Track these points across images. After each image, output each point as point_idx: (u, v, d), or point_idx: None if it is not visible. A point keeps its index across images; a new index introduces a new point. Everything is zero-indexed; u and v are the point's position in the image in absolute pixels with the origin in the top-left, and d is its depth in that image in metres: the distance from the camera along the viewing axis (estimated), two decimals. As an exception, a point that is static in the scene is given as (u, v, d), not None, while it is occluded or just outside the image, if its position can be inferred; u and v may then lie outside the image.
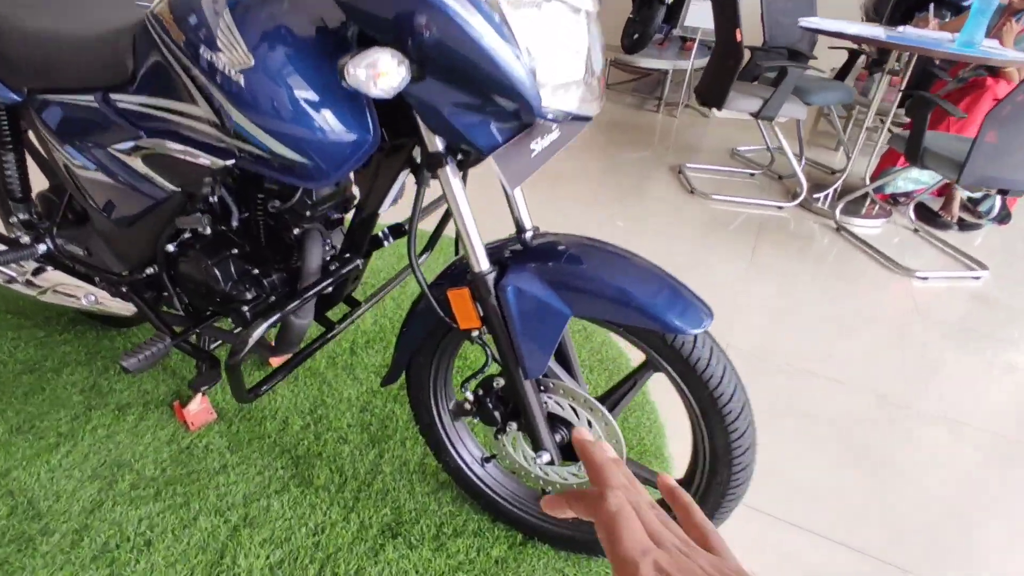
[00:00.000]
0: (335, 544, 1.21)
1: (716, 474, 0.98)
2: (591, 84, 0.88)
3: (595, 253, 0.92)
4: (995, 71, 2.87)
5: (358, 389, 1.61)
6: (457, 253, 1.09)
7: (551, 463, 1.00)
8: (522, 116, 0.78)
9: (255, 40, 0.79)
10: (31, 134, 1.30)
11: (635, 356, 1.83)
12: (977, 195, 3.12)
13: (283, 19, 0.79)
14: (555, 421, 1.02)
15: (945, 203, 3.11)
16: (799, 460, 1.54)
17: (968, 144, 2.21)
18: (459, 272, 0.99)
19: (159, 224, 1.12)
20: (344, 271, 1.07)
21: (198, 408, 1.45)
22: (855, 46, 3.78)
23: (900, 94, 2.95)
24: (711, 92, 2.88)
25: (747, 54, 3.00)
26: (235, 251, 1.15)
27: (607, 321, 0.92)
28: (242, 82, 0.84)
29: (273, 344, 1.25)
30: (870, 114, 3.01)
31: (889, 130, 3.11)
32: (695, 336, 0.89)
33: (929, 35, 2.78)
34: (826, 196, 3.13)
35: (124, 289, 1.28)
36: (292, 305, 0.96)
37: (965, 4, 3.50)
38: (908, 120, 3.30)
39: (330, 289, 1.20)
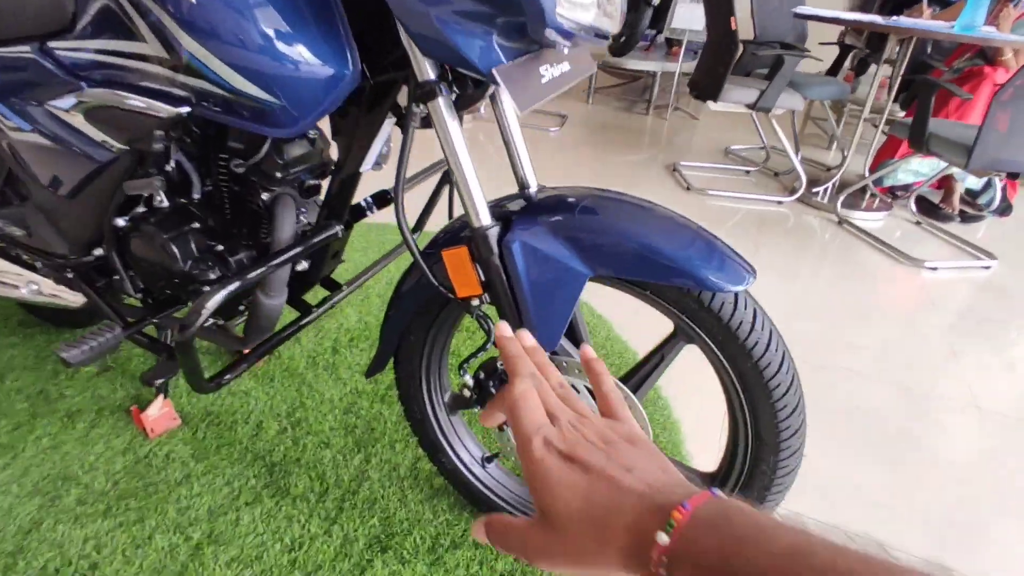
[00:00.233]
0: (315, 561, 1.05)
1: (760, 463, 0.84)
2: (607, 6, 0.77)
3: (614, 205, 0.79)
4: (991, 60, 2.82)
5: (341, 390, 1.46)
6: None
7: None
8: (530, 27, 0.65)
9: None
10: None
11: (645, 348, 1.70)
12: (976, 187, 3.06)
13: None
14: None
15: (945, 196, 3.03)
16: (826, 455, 1.40)
17: (972, 130, 2.14)
18: (455, 232, 0.85)
19: (106, 193, 0.97)
20: (321, 238, 0.92)
21: (158, 413, 1.28)
22: (846, 42, 3.74)
23: (898, 83, 2.88)
24: (706, 84, 2.79)
25: (740, 48, 2.93)
26: (196, 225, 1.00)
27: (631, 282, 0.79)
28: (194, 0, 0.71)
29: (243, 336, 1.10)
30: (867, 105, 2.94)
31: (886, 123, 3.05)
32: (735, 296, 0.76)
33: (925, 23, 2.73)
34: (825, 190, 3.05)
35: (70, 275, 1.12)
36: (257, 271, 0.81)
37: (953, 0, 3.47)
38: (903, 114, 3.24)
39: (306, 264, 1.06)
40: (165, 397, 1.31)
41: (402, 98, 0.86)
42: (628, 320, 1.82)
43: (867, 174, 2.99)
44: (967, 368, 1.80)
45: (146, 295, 1.15)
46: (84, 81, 0.89)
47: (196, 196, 1.00)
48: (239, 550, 1.06)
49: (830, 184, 3.05)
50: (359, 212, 1.04)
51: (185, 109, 0.82)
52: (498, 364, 0.90)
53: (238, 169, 0.92)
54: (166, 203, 0.98)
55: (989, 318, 2.11)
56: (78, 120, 0.92)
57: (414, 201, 1.19)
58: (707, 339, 0.79)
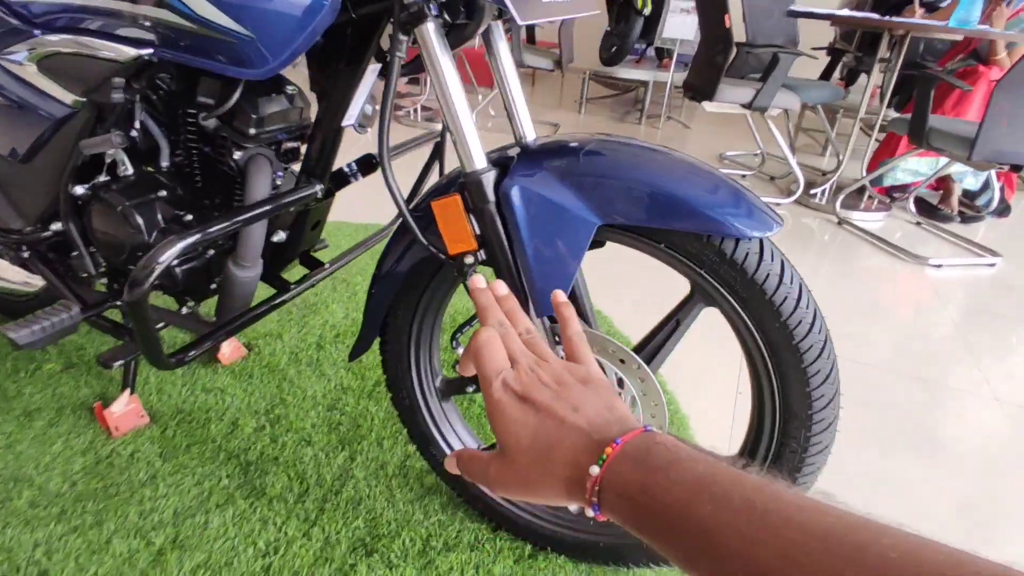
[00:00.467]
0: (292, 567, 0.94)
1: (789, 438, 0.75)
2: None
3: (625, 148, 0.71)
4: (985, 59, 2.81)
5: (326, 386, 1.35)
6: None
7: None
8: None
9: None
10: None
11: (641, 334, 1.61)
12: (975, 188, 3.02)
13: None
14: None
15: (943, 196, 2.99)
16: (851, 449, 1.31)
17: (971, 125, 2.10)
18: (447, 183, 0.76)
19: (62, 153, 0.88)
20: (296, 196, 0.83)
21: (124, 409, 1.18)
22: (837, 47, 3.74)
23: (892, 85, 2.86)
24: (701, 85, 2.75)
25: (734, 49, 2.90)
26: (162, 193, 0.91)
27: (643, 233, 0.70)
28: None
29: (214, 318, 1.00)
30: (862, 107, 2.91)
31: (880, 129, 3.02)
32: (760, 246, 0.68)
33: (920, 20, 2.71)
34: (823, 192, 3.00)
35: (26, 253, 1.02)
36: (220, 225, 0.72)
37: (941, 5, 3.48)
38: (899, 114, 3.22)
39: (283, 236, 0.97)
40: (132, 392, 1.20)
41: (387, 43, 0.78)
42: (628, 316, 1.74)
43: (864, 173, 2.95)
44: (983, 362, 1.72)
45: (111, 278, 1.05)
46: (38, 29, 0.81)
47: (164, 163, 0.92)
48: (206, 555, 0.95)
49: (827, 186, 3.00)
50: (342, 179, 0.95)
51: (147, 51, 0.74)
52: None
53: (207, 123, 0.83)
54: (130, 170, 0.90)
55: (1000, 313, 2.04)
56: (30, 72, 0.83)
57: (404, 177, 1.11)
58: (729, 297, 0.70)
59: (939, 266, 2.38)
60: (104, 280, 1.06)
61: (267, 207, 0.78)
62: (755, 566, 0.26)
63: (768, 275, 0.67)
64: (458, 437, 1.01)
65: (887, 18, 2.80)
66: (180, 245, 0.67)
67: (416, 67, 0.76)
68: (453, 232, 0.71)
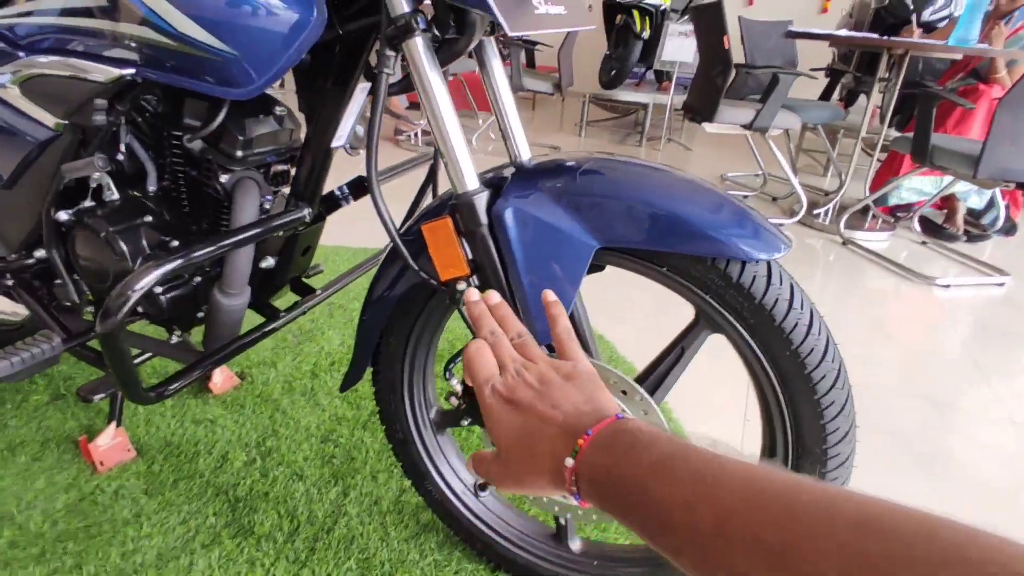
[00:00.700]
0: (278, 611, 0.89)
1: (800, 472, 0.70)
2: None
3: (624, 168, 0.68)
4: (985, 78, 2.80)
5: (320, 416, 1.31)
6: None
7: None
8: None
9: None
10: None
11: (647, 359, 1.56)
12: (979, 207, 2.99)
13: None
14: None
15: (948, 216, 2.96)
16: (864, 472, 1.25)
17: (974, 143, 2.08)
18: (438, 206, 0.73)
19: (45, 178, 0.85)
20: (284, 220, 0.80)
21: (110, 443, 1.14)
22: (835, 68, 3.75)
23: (893, 105, 2.85)
24: (700, 106, 2.75)
25: (733, 70, 2.91)
26: (147, 218, 0.89)
27: (645, 254, 0.67)
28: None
29: (202, 346, 0.97)
30: (863, 126, 2.90)
31: (882, 149, 3.01)
32: (768, 269, 0.64)
33: (919, 40, 2.71)
34: (826, 212, 2.97)
35: (9, 281, 0.99)
36: (205, 250, 0.69)
37: (939, 25, 3.50)
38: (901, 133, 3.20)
39: (272, 261, 0.94)
40: (118, 425, 1.16)
41: (376, 61, 0.76)
42: (631, 342, 1.70)
43: (867, 192, 2.93)
44: (996, 382, 1.67)
45: (97, 307, 1.02)
46: (23, 51, 0.80)
47: (150, 187, 0.89)
48: (189, 599, 0.90)
49: (831, 206, 2.98)
50: (333, 202, 0.92)
51: (129, 71, 0.72)
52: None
53: (193, 145, 0.81)
54: (115, 194, 0.87)
55: (1011, 332, 1.99)
56: (12, 95, 0.81)
57: (400, 201, 1.08)
58: (736, 323, 0.66)
59: (947, 286, 2.34)
60: (91, 308, 1.03)
61: (251, 232, 0.75)
62: (696, 533, 0.29)
63: (777, 300, 0.64)
64: (454, 472, 0.96)
65: (886, 38, 2.81)
66: (156, 273, 0.64)
67: (406, 85, 0.73)
68: (444, 256, 0.68)
